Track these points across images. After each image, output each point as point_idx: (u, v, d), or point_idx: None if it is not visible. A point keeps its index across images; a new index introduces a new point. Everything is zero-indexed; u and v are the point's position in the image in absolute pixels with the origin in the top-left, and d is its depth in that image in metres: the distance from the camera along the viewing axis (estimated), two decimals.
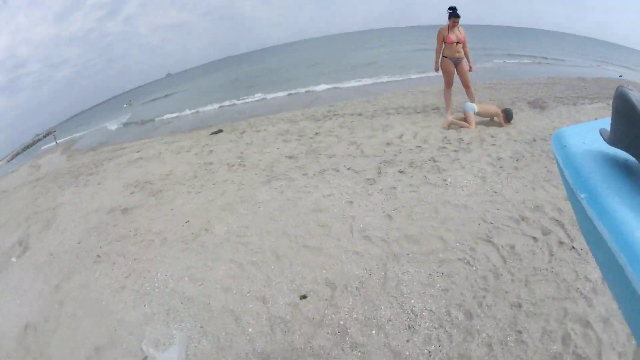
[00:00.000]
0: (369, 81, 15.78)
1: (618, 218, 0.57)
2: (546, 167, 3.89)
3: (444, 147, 4.86)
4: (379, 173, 4.26)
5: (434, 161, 4.41)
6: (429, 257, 2.74)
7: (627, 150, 0.68)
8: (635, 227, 0.55)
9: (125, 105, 34.12)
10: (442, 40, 5.98)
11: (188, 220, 3.79)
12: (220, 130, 8.00)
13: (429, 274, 2.57)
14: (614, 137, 0.70)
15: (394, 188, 3.84)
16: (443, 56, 6.11)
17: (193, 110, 16.67)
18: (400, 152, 4.85)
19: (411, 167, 4.32)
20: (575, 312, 2.10)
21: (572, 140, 0.82)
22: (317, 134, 6.24)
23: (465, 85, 6.35)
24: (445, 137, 5.27)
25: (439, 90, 10.78)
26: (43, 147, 20.62)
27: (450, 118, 5.89)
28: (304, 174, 4.47)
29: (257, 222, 3.53)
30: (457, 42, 5.95)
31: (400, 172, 4.22)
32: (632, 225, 0.55)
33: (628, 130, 0.65)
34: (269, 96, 15.98)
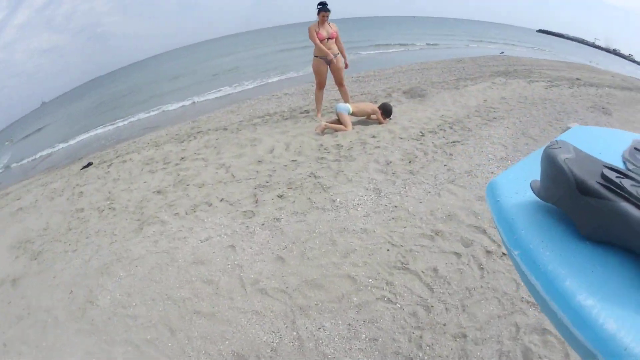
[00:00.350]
0: (229, 90, 16.87)
1: (549, 272, 0.71)
2: (445, 165, 4.00)
3: (322, 158, 4.82)
4: (256, 202, 4.02)
5: (315, 177, 4.31)
6: (342, 303, 2.57)
7: (556, 205, 0.83)
8: (565, 278, 0.69)
9: (7, 143, 33.94)
10: (315, 37, 6.02)
11: (72, 291, 3.49)
12: (90, 163, 8.25)
13: (349, 325, 2.42)
14: (544, 194, 0.85)
15: (278, 220, 3.63)
16: (314, 55, 6.20)
17: (65, 144, 17.37)
18: (275, 171, 4.68)
19: (291, 188, 4.17)
20: (528, 323, 2.17)
21: (504, 192, 0.96)
22: (182, 158, 6.04)
23: (339, 83, 6.52)
24: (322, 145, 5.25)
25: (305, 90, 11.00)
26: None
27: (323, 122, 5.91)
28: (175, 214, 4.20)
29: (138, 287, 3.26)
30: (329, 38, 6.14)
31: (280, 196, 4.03)
32: (561, 277, 0.69)
33: (556, 189, 0.80)
34: (133, 119, 17.33)
